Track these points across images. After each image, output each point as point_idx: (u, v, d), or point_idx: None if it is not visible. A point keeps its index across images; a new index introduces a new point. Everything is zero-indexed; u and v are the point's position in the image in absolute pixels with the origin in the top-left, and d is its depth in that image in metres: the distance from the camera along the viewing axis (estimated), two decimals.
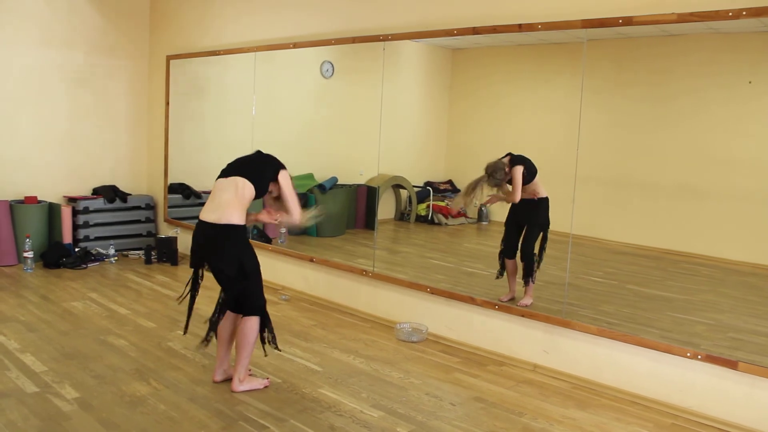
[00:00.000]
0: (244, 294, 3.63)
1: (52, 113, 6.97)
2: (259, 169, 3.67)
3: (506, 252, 4.79)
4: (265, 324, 3.73)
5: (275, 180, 3.69)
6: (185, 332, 3.90)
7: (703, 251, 4.81)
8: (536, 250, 4.68)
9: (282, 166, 3.74)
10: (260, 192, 3.65)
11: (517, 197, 4.57)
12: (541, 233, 4.70)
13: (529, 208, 4.71)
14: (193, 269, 3.77)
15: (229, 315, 3.77)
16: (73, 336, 4.50)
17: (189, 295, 3.81)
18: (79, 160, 7.23)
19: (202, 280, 3.79)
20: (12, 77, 6.65)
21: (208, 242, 3.59)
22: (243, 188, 3.57)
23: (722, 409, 3.49)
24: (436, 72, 6.25)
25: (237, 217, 3.54)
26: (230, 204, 3.53)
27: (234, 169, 3.67)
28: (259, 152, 3.85)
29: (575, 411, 3.63)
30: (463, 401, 3.70)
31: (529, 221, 4.71)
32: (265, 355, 3.87)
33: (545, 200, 4.69)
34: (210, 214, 3.56)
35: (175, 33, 7.27)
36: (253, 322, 3.63)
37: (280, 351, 4.01)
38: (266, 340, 3.76)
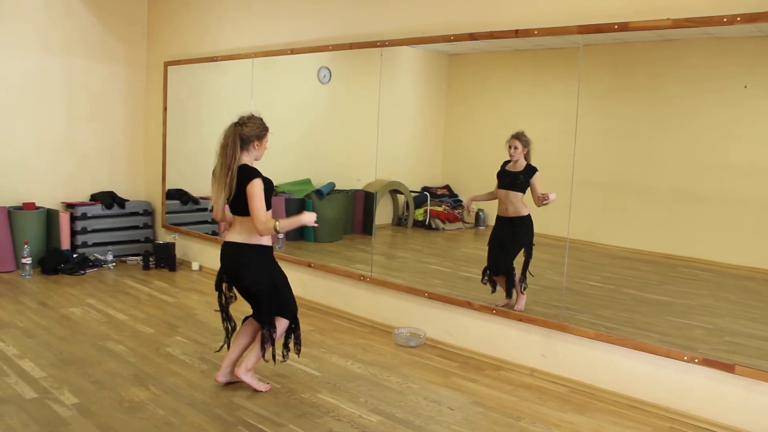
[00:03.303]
0: (277, 305, 3.72)
1: (49, 119, 6.98)
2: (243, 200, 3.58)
3: (492, 269, 4.82)
4: (293, 330, 3.84)
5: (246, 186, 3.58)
6: (220, 349, 4.01)
7: (701, 255, 4.83)
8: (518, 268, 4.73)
9: (252, 177, 3.56)
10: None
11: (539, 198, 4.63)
12: (523, 249, 4.72)
13: (515, 225, 4.75)
14: (218, 290, 3.84)
15: (251, 321, 3.84)
16: (72, 342, 4.50)
17: (222, 313, 3.89)
18: (76, 166, 7.23)
19: (232, 298, 3.86)
20: (10, 83, 6.66)
21: (237, 262, 3.67)
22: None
23: (719, 412, 3.50)
24: (433, 77, 6.28)
25: (265, 240, 3.67)
26: (253, 229, 3.59)
27: (237, 208, 3.64)
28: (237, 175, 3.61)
29: (573, 415, 3.64)
30: (461, 406, 3.71)
31: (513, 239, 4.74)
32: (283, 360, 3.93)
33: (530, 218, 4.72)
34: (236, 235, 3.67)
35: (172, 39, 7.29)
36: (282, 321, 3.74)
37: (298, 356, 4.03)
38: (289, 346, 3.85)
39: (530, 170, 4.66)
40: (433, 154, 6.40)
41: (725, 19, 3.36)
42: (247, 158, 3.66)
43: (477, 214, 6.08)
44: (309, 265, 5.73)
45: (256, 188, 3.52)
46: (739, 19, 3.32)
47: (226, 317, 3.86)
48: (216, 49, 6.68)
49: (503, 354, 4.40)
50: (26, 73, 6.77)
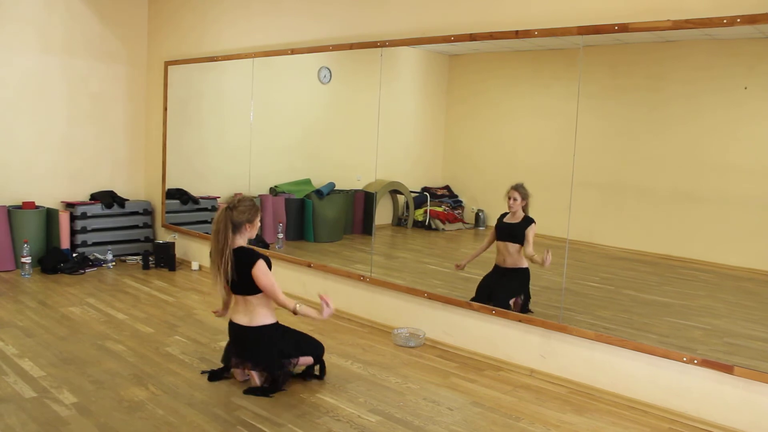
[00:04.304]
0: (295, 355, 3.90)
1: (50, 119, 6.98)
2: (251, 285, 3.75)
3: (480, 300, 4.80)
4: (318, 362, 4.00)
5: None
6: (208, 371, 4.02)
7: (700, 256, 4.83)
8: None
9: (254, 260, 3.72)
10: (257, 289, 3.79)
11: (530, 250, 4.64)
12: (515, 299, 4.65)
13: (511, 277, 4.72)
14: (224, 363, 3.98)
15: None
16: (71, 341, 4.50)
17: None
18: (77, 166, 7.23)
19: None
20: (10, 82, 6.66)
21: (245, 345, 3.82)
22: (260, 299, 3.79)
23: (719, 413, 3.50)
24: (433, 78, 6.28)
25: (269, 318, 3.83)
26: (258, 311, 3.80)
27: (239, 288, 3.79)
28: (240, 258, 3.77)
29: (572, 416, 3.64)
30: (461, 406, 3.71)
31: (505, 289, 4.68)
32: (306, 379, 4.00)
33: (528, 271, 4.72)
34: (242, 317, 3.83)
35: (173, 39, 7.29)
36: (306, 357, 3.95)
37: (321, 379, 4.06)
38: (313, 374, 4.00)
39: (527, 222, 4.66)
40: (433, 154, 6.41)
41: (725, 21, 3.37)
42: (240, 240, 3.82)
43: (477, 214, 6.09)
44: (309, 266, 5.73)
45: (261, 269, 3.70)
46: (739, 20, 3.32)
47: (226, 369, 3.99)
48: (216, 48, 6.68)
49: (502, 354, 4.41)
50: (27, 72, 6.77)
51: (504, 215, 4.78)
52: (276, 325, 3.86)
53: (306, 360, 3.94)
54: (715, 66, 4.61)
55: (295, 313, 3.72)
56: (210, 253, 3.83)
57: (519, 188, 4.69)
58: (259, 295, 3.77)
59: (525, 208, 4.71)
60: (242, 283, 3.74)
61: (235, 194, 3.89)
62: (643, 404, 3.76)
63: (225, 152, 7.21)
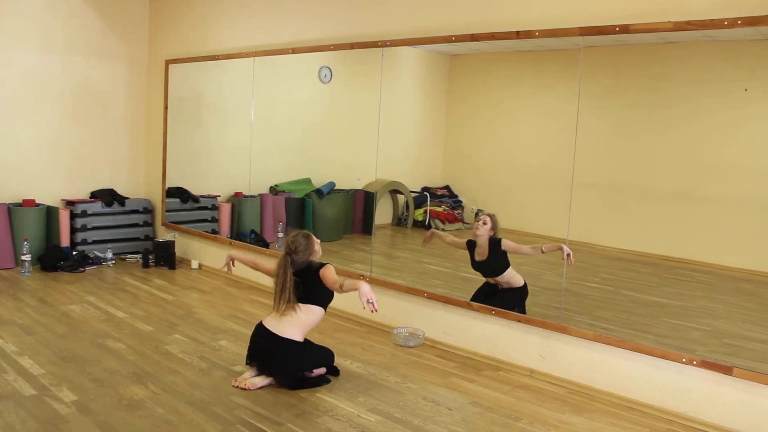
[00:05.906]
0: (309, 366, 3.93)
1: (50, 116, 6.98)
2: (312, 290, 3.88)
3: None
4: (330, 371, 4.03)
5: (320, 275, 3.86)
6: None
7: (699, 257, 4.83)
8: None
9: (320, 266, 3.88)
10: (326, 302, 3.96)
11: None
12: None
13: (508, 292, 4.71)
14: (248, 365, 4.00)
15: None
16: (71, 339, 4.50)
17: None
18: (77, 164, 7.23)
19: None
20: (11, 81, 6.66)
21: (268, 352, 3.83)
22: (315, 313, 3.90)
23: (717, 414, 3.51)
24: (433, 78, 6.28)
25: (300, 335, 3.84)
26: (299, 323, 3.83)
27: (297, 295, 3.86)
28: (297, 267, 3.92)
29: (571, 416, 3.65)
30: (460, 406, 3.71)
31: (502, 302, 4.59)
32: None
33: (525, 287, 4.71)
34: (275, 324, 3.82)
35: (174, 37, 7.29)
36: (320, 368, 3.96)
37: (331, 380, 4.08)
38: (328, 380, 3.99)
39: (495, 245, 4.65)
40: (433, 154, 6.41)
41: (726, 23, 3.37)
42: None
43: (477, 214, 6.07)
44: None
45: (330, 270, 3.85)
46: (740, 22, 3.33)
47: None
48: (217, 47, 6.68)
49: (502, 355, 4.41)
50: (28, 70, 6.76)
51: (473, 247, 4.77)
52: (302, 345, 3.85)
53: (319, 371, 3.95)
54: (715, 67, 4.61)
55: (341, 289, 3.70)
56: (275, 278, 3.93)
57: (492, 216, 4.71)
58: (308, 307, 3.84)
59: (492, 238, 4.68)
60: (304, 291, 3.86)
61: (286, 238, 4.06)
62: (641, 405, 3.76)
63: (225, 151, 7.22)
